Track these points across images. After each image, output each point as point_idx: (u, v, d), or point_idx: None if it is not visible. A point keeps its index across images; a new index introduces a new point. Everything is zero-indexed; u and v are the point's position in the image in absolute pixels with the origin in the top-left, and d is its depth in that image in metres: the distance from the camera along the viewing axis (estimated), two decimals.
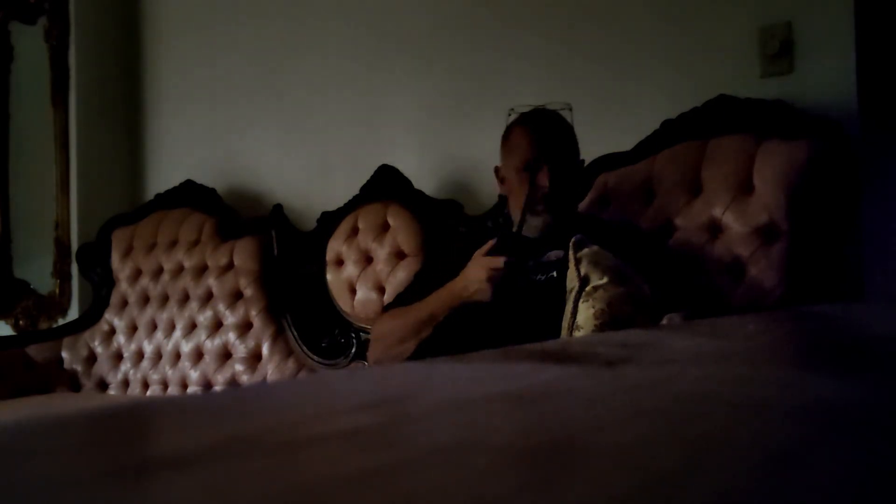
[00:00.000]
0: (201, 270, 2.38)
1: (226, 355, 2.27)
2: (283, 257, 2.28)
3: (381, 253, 2.08)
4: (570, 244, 1.33)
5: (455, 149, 2.15)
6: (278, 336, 2.20)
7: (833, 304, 1.23)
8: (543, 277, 1.43)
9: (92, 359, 2.48)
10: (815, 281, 1.47)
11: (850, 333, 0.68)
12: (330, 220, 2.22)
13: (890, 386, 0.36)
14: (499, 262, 1.39)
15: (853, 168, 1.50)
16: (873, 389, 0.34)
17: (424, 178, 2.14)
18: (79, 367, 2.47)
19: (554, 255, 1.43)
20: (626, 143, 1.78)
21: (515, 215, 1.51)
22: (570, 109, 1.58)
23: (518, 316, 1.40)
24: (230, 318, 2.28)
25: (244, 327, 2.24)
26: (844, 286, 1.47)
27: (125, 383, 2.42)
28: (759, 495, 0.18)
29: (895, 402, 0.32)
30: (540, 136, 1.52)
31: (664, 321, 1.27)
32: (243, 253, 2.30)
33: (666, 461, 0.22)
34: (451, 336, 1.43)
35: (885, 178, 1.52)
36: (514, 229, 1.48)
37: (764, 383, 0.37)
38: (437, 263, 1.68)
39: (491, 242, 1.45)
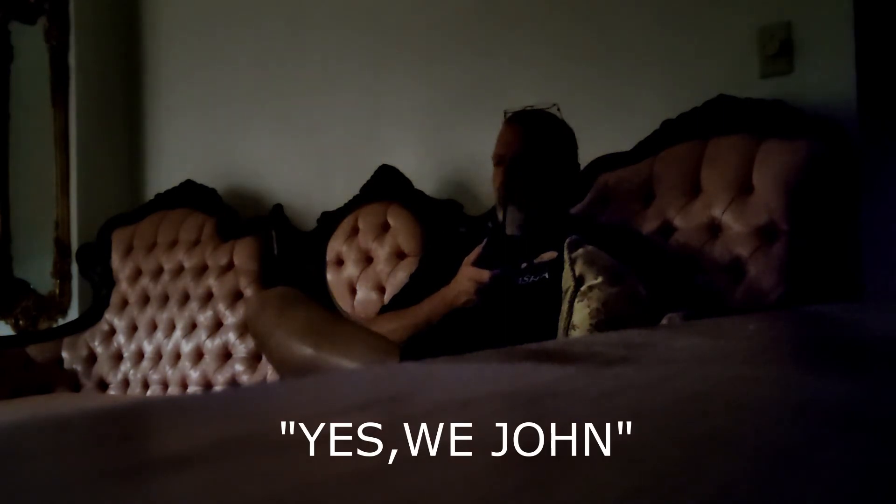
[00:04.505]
0: (201, 270, 2.38)
1: (226, 355, 2.27)
2: (283, 257, 2.28)
3: (381, 253, 2.08)
4: (565, 245, 1.33)
5: (455, 149, 2.15)
6: None
7: (833, 304, 1.23)
8: (534, 279, 1.44)
9: (92, 359, 2.48)
10: (815, 281, 1.47)
11: (850, 333, 0.68)
12: (330, 220, 2.22)
13: (890, 386, 0.36)
14: (484, 275, 1.40)
15: (853, 168, 1.50)
16: (873, 389, 0.34)
17: (424, 178, 2.14)
18: (79, 367, 2.47)
19: (548, 255, 1.44)
20: (627, 143, 1.78)
21: None
22: (558, 108, 1.60)
23: (510, 319, 1.40)
24: (230, 319, 2.28)
25: (244, 327, 2.24)
26: (844, 286, 1.47)
27: (125, 383, 2.42)
28: (759, 495, 0.18)
29: (895, 401, 0.32)
30: (506, 132, 1.58)
31: (664, 321, 1.27)
32: (243, 253, 2.31)
33: (666, 461, 0.22)
34: (444, 341, 1.43)
35: (884, 178, 1.52)
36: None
37: (764, 383, 0.37)
38: (432, 265, 1.68)
39: (478, 249, 1.46)
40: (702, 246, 1.57)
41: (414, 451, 0.23)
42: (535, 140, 1.55)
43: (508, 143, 1.56)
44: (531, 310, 1.40)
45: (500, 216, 1.53)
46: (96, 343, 2.49)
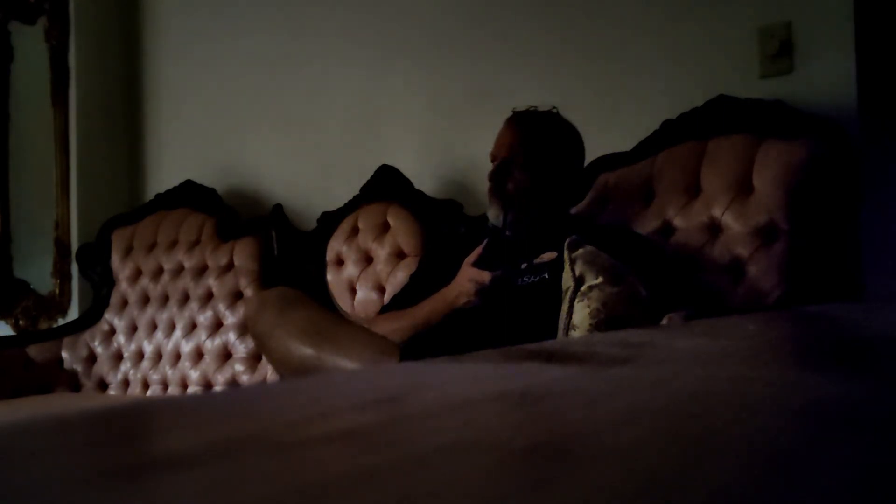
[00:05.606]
0: (201, 270, 2.38)
1: (226, 355, 2.27)
2: (283, 257, 2.28)
3: (381, 253, 2.08)
4: (565, 245, 1.33)
5: (455, 149, 2.15)
6: None
7: (833, 304, 1.23)
8: (534, 279, 1.44)
9: (92, 359, 2.48)
10: (815, 281, 1.47)
11: (850, 333, 0.68)
12: (330, 220, 2.22)
13: (890, 386, 0.36)
14: (484, 276, 1.41)
15: (853, 168, 1.50)
16: (873, 389, 0.35)
17: (424, 178, 2.14)
18: (79, 367, 2.48)
19: (548, 256, 1.44)
20: (626, 143, 1.78)
21: None
22: (557, 111, 1.61)
23: (510, 319, 1.40)
24: (230, 318, 2.28)
25: (244, 327, 2.24)
26: (844, 286, 1.47)
27: (125, 383, 2.42)
28: (759, 495, 0.18)
29: (895, 401, 0.32)
30: (503, 133, 1.59)
31: (665, 321, 1.27)
32: (243, 253, 2.31)
33: (666, 461, 0.22)
34: (444, 341, 1.44)
35: (885, 178, 1.52)
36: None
37: (764, 383, 0.37)
38: (432, 265, 1.69)
39: (479, 249, 1.47)
40: (702, 246, 1.57)
41: (414, 451, 0.23)
42: (529, 142, 1.55)
43: (502, 143, 1.57)
44: (531, 310, 1.40)
45: (489, 214, 1.56)
46: (96, 343, 2.49)
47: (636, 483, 0.19)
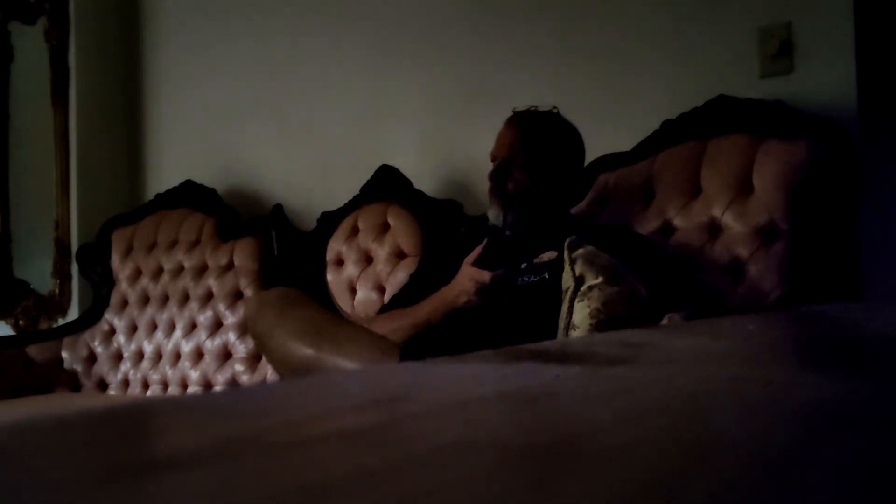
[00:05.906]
0: (201, 270, 2.38)
1: (226, 355, 2.27)
2: (283, 257, 2.28)
3: (381, 253, 2.08)
4: (566, 245, 1.33)
5: (455, 149, 2.15)
6: None
7: (833, 304, 1.23)
8: (534, 279, 1.44)
9: (92, 359, 2.48)
10: (815, 281, 1.47)
11: (850, 333, 0.68)
12: (330, 220, 2.22)
13: (890, 386, 0.36)
14: (484, 276, 1.42)
15: (853, 168, 1.50)
16: (873, 389, 0.34)
17: (424, 178, 2.14)
18: (79, 367, 2.47)
19: (547, 256, 1.45)
20: (626, 143, 1.78)
21: None
22: (557, 112, 1.61)
23: (510, 319, 1.40)
24: (230, 318, 2.28)
25: (244, 327, 2.24)
26: (844, 286, 1.47)
27: (125, 383, 2.42)
28: (759, 495, 0.18)
29: (895, 401, 0.32)
30: (503, 133, 1.59)
31: (665, 321, 1.27)
32: (243, 253, 2.31)
33: (666, 461, 0.22)
34: (444, 340, 1.44)
35: (884, 178, 1.52)
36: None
37: (764, 383, 0.37)
38: (432, 265, 1.69)
39: (478, 249, 1.47)
40: (702, 246, 1.57)
41: (414, 451, 0.23)
42: (529, 142, 1.55)
43: (502, 143, 1.57)
44: (531, 310, 1.40)
45: (490, 214, 1.56)
46: (96, 343, 2.49)
47: (636, 483, 0.19)
